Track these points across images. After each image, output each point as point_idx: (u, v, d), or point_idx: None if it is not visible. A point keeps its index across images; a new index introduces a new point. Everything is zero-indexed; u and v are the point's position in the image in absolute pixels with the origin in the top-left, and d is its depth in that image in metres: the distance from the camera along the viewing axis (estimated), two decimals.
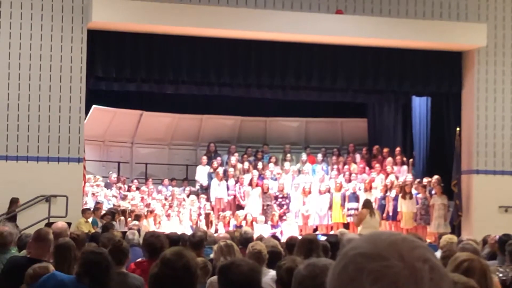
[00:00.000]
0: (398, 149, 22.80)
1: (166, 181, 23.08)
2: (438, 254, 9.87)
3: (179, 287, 4.48)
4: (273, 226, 20.92)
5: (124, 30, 18.78)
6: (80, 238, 9.89)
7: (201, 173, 22.56)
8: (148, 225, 20.05)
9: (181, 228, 19.74)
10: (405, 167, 22.35)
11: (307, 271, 3.73)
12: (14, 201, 18.02)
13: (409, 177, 21.45)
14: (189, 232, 16.62)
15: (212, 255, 8.92)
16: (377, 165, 22.38)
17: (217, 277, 5.14)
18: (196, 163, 24.05)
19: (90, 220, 18.28)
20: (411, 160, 22.69)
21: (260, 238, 11.83)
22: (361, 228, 18.03)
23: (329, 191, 21.59)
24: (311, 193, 21.59)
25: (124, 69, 19.14)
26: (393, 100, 23.25)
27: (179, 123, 25.22)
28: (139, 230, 16.17)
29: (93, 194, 20.50)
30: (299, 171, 22.83)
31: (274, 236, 14.00)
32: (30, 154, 18.05)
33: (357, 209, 20.77)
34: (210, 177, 22.19)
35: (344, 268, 1.70)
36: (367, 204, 19.06)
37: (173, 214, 21.09)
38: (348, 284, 1.67)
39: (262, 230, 19.57)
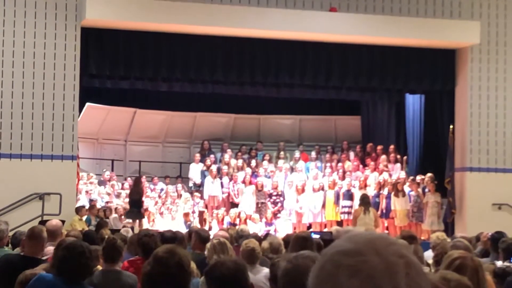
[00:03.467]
0: (392, 146, 22.81)
1: (156, 179, 23.02)
2: (430, 252, 9.90)
3: (172, 285, 4.48)
4: (267, 224, 20.93)
5: (117, 27, 18.76)
6: (79, 239, 9.88)
7: (195, 171, 22.55)
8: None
9: (175, 225, 19.74)
10: (398, 164, 22.36)
11: (289, 265, 3.73)
12: (139, 181, 19.90)
13: (402, 175, 21.47)
14: (183, 230, 16.61)
15: (205, 253, 8.93)
16: (372, 163, 22.41)
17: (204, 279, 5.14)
18: (189, 160, 24.02)
19: (84, 218, 18.27)
20: (404, 157, 22.71)
21: (255, 236, 11.84)
22: (357, 227, 18.03)
23: (322, 189, 21.60)
24: (305, 191, 21.59)
25: (118, 66, 19.12)
26: (387, 97, 23.24)
27: (173, 121, 25.20)
28: (132, 228, 16.21)
29: (86, 192, 20.49)
30: (292, 169, 22.82)
31: (257, 237, 13.95)
32: (24, 152, 18.03)
33: (351, 206, 20.80)
34: (203, 175, 22.18)
35: (323, 265, 1.74)
36: (363, 200, 19.09)
37: (166, 212, 21.09)
38: (327, 281, 1.71)
39: (256, 227, 19.59)
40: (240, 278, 4.76)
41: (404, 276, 1.68)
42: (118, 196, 21.45)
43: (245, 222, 20.02)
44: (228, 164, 22.52)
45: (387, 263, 1.69)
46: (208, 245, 8.49)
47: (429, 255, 9.49)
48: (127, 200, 20.93)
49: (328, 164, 22.96)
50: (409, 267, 1.70)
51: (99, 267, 7.82)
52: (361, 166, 22.71)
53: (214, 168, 21.92)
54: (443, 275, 3.26)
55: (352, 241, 1.74)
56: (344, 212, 21.00)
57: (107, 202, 20.66)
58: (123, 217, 19.92)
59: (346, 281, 1.67)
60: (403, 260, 1.71)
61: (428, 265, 8.48)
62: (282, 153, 23.88)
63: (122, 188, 21.98)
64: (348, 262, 1.69)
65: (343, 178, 21.87)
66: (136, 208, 19.86)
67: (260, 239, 11.13)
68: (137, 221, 19.78)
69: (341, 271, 1.69)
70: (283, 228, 20.46)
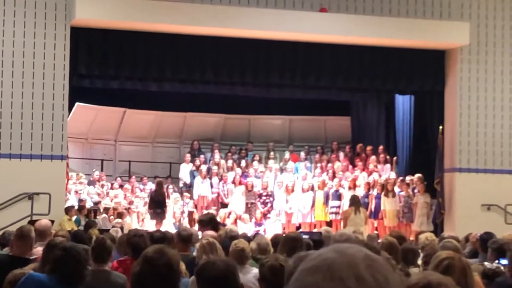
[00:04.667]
0: (381, 147, 22.85)
1: (145, 179, 22.98)
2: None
3: (161, 285, 4.48)
4: (257, 224, 20.93)
5: (107, 27, 18.73)
6: (67, 239, 9.85)
7: (185, 171, 22.54)
8: (131, 222, 20.03)
9: (164, 226, 19.72)
10: (388, 165, 22.39)
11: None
12: (162, 184, 21.18)
13: (392, 175, 21.50)
14: (172, 230, 16.60)
15: (194, 253, 8.93)
16: (360, 163, 22.44)
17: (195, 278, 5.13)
18: (179, 161, 24.03)
19: (73, 218, 18.23)
20: (394, 158, 22.73)
21: (244, 236, 11.84)
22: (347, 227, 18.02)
23: (312, 189, 21.61)
24: (294, 191, 21.60)
25: (108, 66, 19.10)
26: (377, 98, 23.28)
27: (163, 121, 25.19)
28: (122, 228, 16.18)
29: (76, 191, 20.45)
30: (282, 169, 22.84)
31: (246, 237, 13.95)
32: (13, 152, 17.98)
33: (339, 207, 20.82)
34: (193, 175, 22.17)
35: (294, 278, 1.84)
36: (353, 200, 19.11)
37: None
38: (295, 285, 1.82)
39: (245, 228, 19.58)
40: (231, 278, 4.77)
41: (365, 267, 1.76)
42: (106, 195, 21.42)
43: (235, 222, 20.02)
44: (218, 164, 22.52)
45: (346, 256, 1.78)
46: (198, 245, 8.48)
47: None
48: (117, 200, 20.89)
49: (318, 165, 22.96)
50: (370, 260, 1.78)
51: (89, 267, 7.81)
52: (350, 166, 22.74)
53: (204, 168, 21.92)
54: (426, 275, 3.26)
55: (318, 251, 1.85)
56: (332, 213, 21.02)
57: (96, 203, 20.62)
58: (112, 217, 19.88)
59: (309, 279, 1.77)
60: (362, 254, 1.79)
61: (417, 265, 8.50)
62: (272, 153, 23.90)
63: (112, 188, 21.95)
64: (310, 264, 1.80)
65: (332, 178, 21.88)
66: (160, 209, 20.73)
67: (249, 240, 11.12)
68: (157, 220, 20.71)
69: (304, 273, 1.79)
70: (272, 228, 20.45)
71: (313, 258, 1.81)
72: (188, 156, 22.87)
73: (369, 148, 23.01)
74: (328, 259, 1.78)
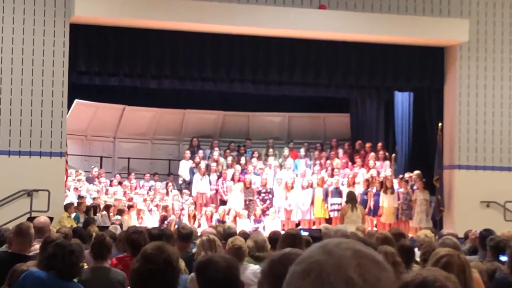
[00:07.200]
0: (380, 144, 22.85)
1: (147, 176, 23.01)
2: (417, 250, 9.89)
3: (161, 282, 4.49)
4: (256, 221, 20.93)
5: (106, 24, 18.73)
6: (69, 237, 9.85)
7: (184, 168, 22.53)
8: (130, 219, 20.03)
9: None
10: (387, 162, 22.39)
11: (268, 266, 3.72)
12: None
13: (388, 172, 21.49)
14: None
15: (194, 250, 8.93)
16: (359, 160, 22.43)
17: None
18: (179, 157, 24.02)
19: (72, 215, 18.22)
20: (393, 155, 22.74)
21: (243, 233, 11.84)
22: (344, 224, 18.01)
23: (311, 186, 21.61)
24: (294, 188, 21.59)
25: (107, 63, 19.09)
26: (376, 95, 23.24)
27: (162, 118, 25.17)
28: (121, 225, 16.20)
29: (75, 188, 20.44)
30: (281, 166, 22.83)
31: (245, 234, 13.96)
32: (12, 148, 17.97)
33: (340, 204, 20.80)
34: (192, 172, 22.16)
35: (286, 281, 1.86)
36: (350, 197, 19.09)
37: (155, 209, 21.07)
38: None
39: (244, 225, 19.58)
40: (232, 278, 4.76)
41: (355, 267, 1.77)
42: (106, 192, 21.42)
43: (234, 220, 20.02)
44: (217, 161, 22.51)
45: (335, 258, 1.79)
46: (197, 241, 8.48)
47: (417, 252, 9.49)
48: (116, 197, 20.87)
49: (317, 162, 22.95)
50: (359, 258, 1.79)
51: (85, 265, 7.82)
52: (349, 163, 22.74)
53: (202, 165, 21.91)
54: (422, 272, 3.27)
55: (307, 250, 1.87)
56: (333, 210, 21.02)
57: (95, 199, 20.62)
58: (111, 214, 19.89)
59: (301, 283, 1.79)
60: (350, 252, 1.80)
61: (417, 262, 8.50)
62: (271, 150, 23.87)
63: (111, 185, 21.95)
64: (300, 267, 1.82)
65: (331, 175, 21.86)
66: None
67: (247, 237, 11.12)
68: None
69: (296, 277, 1.81)
70: (271, 225, 20.45)
71: (303, 260, 1.83)
72: (188, 153, 22.85)
73: (368, 145, 23.02)
74: (318, 261, 1.80)
